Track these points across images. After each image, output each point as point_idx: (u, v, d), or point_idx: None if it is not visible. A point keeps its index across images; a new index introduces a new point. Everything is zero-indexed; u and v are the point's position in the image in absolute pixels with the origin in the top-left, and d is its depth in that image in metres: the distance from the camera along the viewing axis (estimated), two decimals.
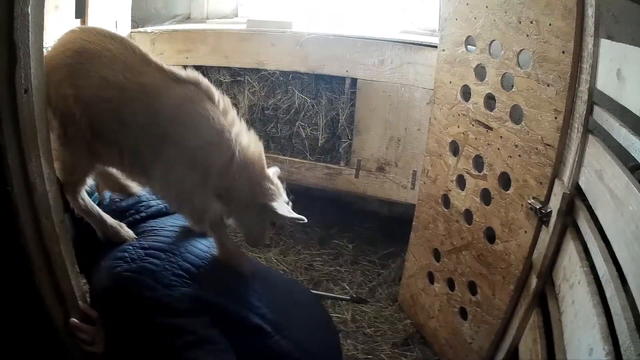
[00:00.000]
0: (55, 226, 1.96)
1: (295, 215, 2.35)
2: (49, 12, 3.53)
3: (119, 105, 2.14)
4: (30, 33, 1.70)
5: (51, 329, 2.03)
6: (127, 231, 2.52)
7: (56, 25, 3.58)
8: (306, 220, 2.39)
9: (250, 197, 2.34)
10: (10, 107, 1.69)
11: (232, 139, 2.24)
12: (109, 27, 4.03)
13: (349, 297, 3.83)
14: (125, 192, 2.72)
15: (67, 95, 2.09)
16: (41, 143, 1.86)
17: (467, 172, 3.03)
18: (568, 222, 2.28)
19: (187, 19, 5.15)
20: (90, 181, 2.54)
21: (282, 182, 2.54)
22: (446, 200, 3.25)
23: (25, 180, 1.79)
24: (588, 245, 2.04)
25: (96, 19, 3.98)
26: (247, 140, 2.35)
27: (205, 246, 2.56)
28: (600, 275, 1.85)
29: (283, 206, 2.39)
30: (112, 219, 2.52)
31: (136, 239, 2.49)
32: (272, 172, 2.53)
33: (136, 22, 4.41)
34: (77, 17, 3.89)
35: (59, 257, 2.00)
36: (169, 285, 2.21)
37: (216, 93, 2.33)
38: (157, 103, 2.17)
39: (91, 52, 2.14)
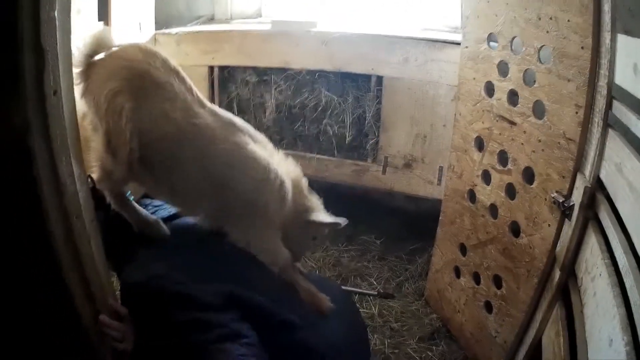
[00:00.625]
0: (85, 225, 2.00)
1: (334, 219, 2.44)
2: (72, 16, 3.60)
3: (173, 144, 2.23)
4: (57, 37, 1.74)
5: (79, 327, 2.06)
6: (162, 227, 2.59)
7: (79, 28, 3.66)
8: (345, 222, 2.47)
9: (295, 216, 2.43)
10: (40, 109, 1.72)
11: (277, 169, 2.40)
12: (133, 29, 4.11)
13: (376, 293, 3.87)
14: None
15: (122, 107, 2.13)
16: (71, 144, 1.89)
17: (492, 167, 3.06)
18: (590, 215, 2.30)
19: (211, 20, 5.19)
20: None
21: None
22: (472, 195, 3.28)
23: (55, 180, 1.82)
24: (609, 237, 2.06)
25: (119, 22, 4.01)
26: (286, 166, 2.47)
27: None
28: (620, 267, 1.87)
29: (323, 215, 2.48)
30: (149, 214, 2.60)
31: (169, 235, 2.57)
32: (305, 184, 2.63)
33: (159, 24, 4.45)
34: (99, 19, 3.95)
35: (89, 256, 2.04)
36: (200, 281, 2.27)
37: (254, 131, 2.52)
38: (212, 147, 2.27)
39: (156, 81, 2.21)
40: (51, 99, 1.75)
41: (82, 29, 3.61)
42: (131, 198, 2.56)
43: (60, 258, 1.91)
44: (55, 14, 1.72)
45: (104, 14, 3.95)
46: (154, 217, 2.59)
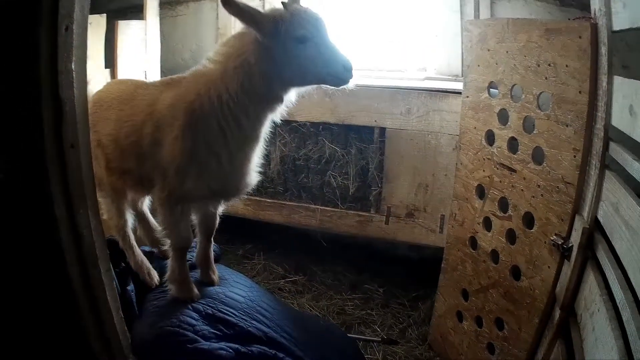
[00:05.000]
0: (102, 274, 2.07)
1: None
2: None
3: None
4: (75, 89, 1.80)
5: None
6: (154, 276, 2.75)
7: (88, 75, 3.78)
8: None
9: None
10: (58, 161, 1.78)
11: None
12: (139, 77, 4.21)
13: (380, 339, 3.91)
14: (157, 244, 2.96)
15: None
16: (88, 195, 1.96)
17: (493, 214, 3.15)
18: (588, 254, 2.38)
19: None
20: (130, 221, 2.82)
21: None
22: (473, 242, 3.35)
23: (73, 230, 1.89)
24: (606, 274, 2.13)
25: (126, 70, 4.12)
26: None
27: (241, 296, 2.73)
28: (618, 302, 1.94)
29: None
30: (147, 261, 2.77)
31: (157, 285, 2.72)
32: None
33: (165, 73, 4.56)
34: (106, 67, 4.06)
35: (104, 302, 2.10)
36: (209, 337, 2.36)
37: None
38: None
39: None
40: (69, 151, 1.82)
41: (91, 76, 3.74)
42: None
43: (78, 303, 1.98)
44: (73, 66, 1.78)
45: (111, 61, 4.06)
46: (148, 264, 2.76)
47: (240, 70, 2.34)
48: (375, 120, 4.24)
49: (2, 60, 1.66)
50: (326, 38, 2.33)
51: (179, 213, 2.60)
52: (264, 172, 4.66)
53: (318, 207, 4.61)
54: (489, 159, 3.17)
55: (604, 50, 2.29)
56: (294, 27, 2.26)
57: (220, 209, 2.92)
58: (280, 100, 2.47)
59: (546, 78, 2.65)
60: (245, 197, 4.47)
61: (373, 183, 4.42)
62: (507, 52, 2.96)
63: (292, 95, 2.54)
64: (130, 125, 2.61)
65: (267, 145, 4.50)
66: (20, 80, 1.69)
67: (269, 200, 4.78)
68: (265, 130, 2.60)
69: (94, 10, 4.14)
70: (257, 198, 4.73)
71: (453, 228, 3.58)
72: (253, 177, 2.69)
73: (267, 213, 4.79)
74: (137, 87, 2.77)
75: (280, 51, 2.30)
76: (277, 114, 2.57)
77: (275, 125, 4.45)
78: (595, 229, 2.35)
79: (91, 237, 1.97)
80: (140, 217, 3.11)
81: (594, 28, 2.35)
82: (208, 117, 2.40)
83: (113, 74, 4.11)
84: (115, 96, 2.76)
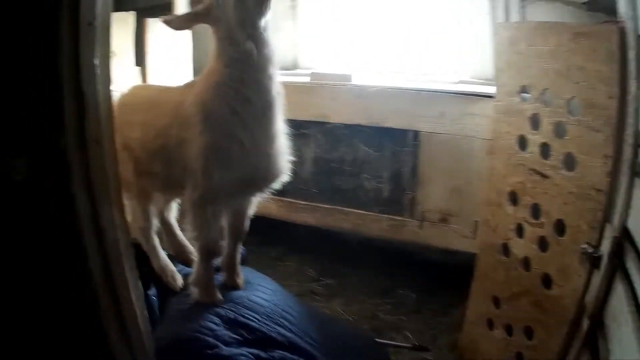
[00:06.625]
0: (125, 272, 2.04)
1: None
2: None
3: None
4: (98, 84, 1.79)
5: None
6: (178, 279, 2.77)
7: (114, 71, 3.80)
8: None
9: None
10: (81, 157, 1.77)
11: None
12: (169, 76, 4.25)
13: (410, 345, 3.88)
14: (183, 251, 2.98)
15: None
16: (112, 192, 1.94)
17: (525, 221, 3.09)
18: (617, 263, 2.31)
19: None
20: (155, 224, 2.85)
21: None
22: (505, 249, 3.30)
23: (95, 226, 1.87)
24: (634, 285, 2.08)
25: (156, 67, 4.15)
26: None
27: (264, 300, 2.72)
28: None
29: None
30: (171, 264, 2.78)
31: (181, 289, 2.73)
32: None
33: (197, 71, 4.57)
34: (137, 64, 4.08)
35: (128, 302, 2.07)
36: (229, 343, 2.36)
37: None
38: None
39: None
40: (92, 147, 1.80)
41: (117, 73, 3.75)
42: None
43: (99, 300, 1.95)
44: (96, 62, 1.77)
45: (140, 58, 4.08)
46: (173, 267, 2.78)
47: (219, 45, 2.51)
48: (409, 124, 4.21)
49: (22, 57, 1.67)
50: None
51: (210, 215, 2.60)
52: (297, 173, 4.71)
53: (351, 210, 4.60)
54: (521, 164, 3.11)
55: (631, 54, 2.24)
56: None
57: (252, 210, 2.92)
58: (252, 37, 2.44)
59: (576, 82, 2.60)
60: (279, 198, 4.55)
61: (407, 187, 4.39)
62: (537, 55, 2.91)
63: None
64: (157, 129, 2.65)
65: (299, 147, 4.60)
66: (42, 77, 1.69)
67: (302, 202, 4.79)
68: (277, 101, 2.59)
69: (122, 7, 4.19)
70: (291, 200, 4.75)
71: (485, 234, 3.53)
72: (283, 161, 2.71)
73: (300, 215, 4.81)
74: (161, 92, 2.84)
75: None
76: (270, 69, 2.52)
77: (308, 127, 4.54)
78: (625, 237, 2.29)
79: (115, 233, 1.95)
80: (165, 225, 3.14)
81: (622, 32, 2.30)
82: (219, 104, 2.44)
83: (143, 72, 4.13)
84: (140, 101, 2.83)
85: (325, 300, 4.46)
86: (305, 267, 4.91)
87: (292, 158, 2.79)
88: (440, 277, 4.65)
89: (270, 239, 5.21)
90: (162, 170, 2.73)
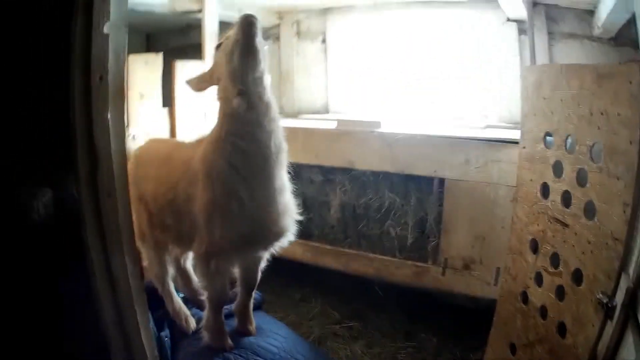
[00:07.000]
0: (137, 316, 2.10)
1: None
2: (134, 99, 3.82)
3: None
4: (111, 137, 1.85)
5: None
6: (190, 323, 2.85)
7: (142, 112, 3.87)
8: None
9: None
10: (93, 209, 1.84)
11: None
12: (198, 118, 4.35)
13: None
14: (197, 295, 3.05)
15: None
16: (125, 241, 1.99)
17: (545, 269, 3.08)
18: (630, 314, 2.30)
19: (279, 113, 5.41)
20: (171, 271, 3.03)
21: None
22: (525, 297, 3.28)
23: (108, 273, 1.94)
24: None
25: (184, 110, 4.23)
26: None
27: (275, 346, 2.77)
28: None
29: None
30: (185, 307, 2.87)
31: (194, 332, 2.80)
32: None
33: None
34: (164, 105, 4.16)
35: (139, 345, 2.12)
36: None
37: None
38: None
39: None
40: (104, 200, 1.87)
41: (145, 113, 3.83)
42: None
43: (111, 343, 2.02)
44: (108, 116, 1.83)
45: (169, 100, 4.16)
46: (186, 310, 2.86)
47: (218, 102, 2.61)
48: (435, 171, 4.23)
49: (37, 110, 1.72)
50: None
51: (215, 268, 2.70)
52: (323, 217, 4.74)
53: (376, 255, 4.62)
54: (543, 212, 3.11)
55: None
56: None
57: (263, 264, 2.99)
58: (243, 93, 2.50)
59: (599, 128, 2.60)
60: (305, 241, 4.58)
61: (431, 234, 4.40)
62: (561, 100, 2.92)
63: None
64: (168, 184, 2.80)
65: (327, 192, 4.63)
66: (55, 128, 1.76)
67: (328, 247, 4.82)
68: (278, 156, 2.65)
69: (154, 47, 4.29)
70: (317, 244, 4.80)
71: (506, 282, 3.51)
72: (288, 220, 2.72)
73: (326, 260, 4.83)
74: (174, 147, 2.99)
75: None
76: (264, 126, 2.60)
77: (334, 172, 4.59)
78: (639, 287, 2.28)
79: (127, 281, 2.01)
80: (181, 271, 3.25)
81: None
82: (218, 159, 2.53)
83: (171, 113, 4.22)
84: (155, 155, 2.97)
85: (347, 342, 4.44)
86: (329, 309, 4.90)
87: (298, 217, 2.82)
88: (461, 322, 4.62)
89: (295, 281, 5.23)
90: (173, 223, 2.84)
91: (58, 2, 1.71)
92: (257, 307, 3.07)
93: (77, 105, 1.75)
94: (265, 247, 2.82)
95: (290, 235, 2.80)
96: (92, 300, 1.93)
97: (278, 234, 2.74)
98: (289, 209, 2.72)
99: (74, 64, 1.72)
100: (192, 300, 3.23)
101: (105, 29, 1.77)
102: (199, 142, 2.77)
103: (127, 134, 3.77)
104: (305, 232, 4.76)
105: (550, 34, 4.46)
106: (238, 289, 3.01)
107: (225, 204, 2.53)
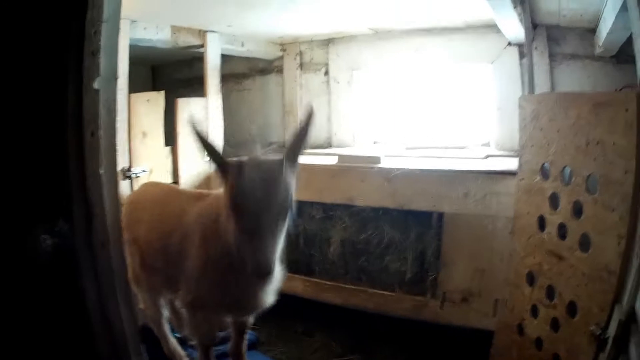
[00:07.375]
0: (131, 357, 2.06)
1: None
2: (136, 138, 3.85)
3: None
4: (104, 191, 1.86)
5: None
6: None
7: (144, 151, 3.90)
8: None
9: None
10: (89, 256, 1.83)
11: None
12: (200, 155, 4.32)
13: None
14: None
15: None
16: (119, 289, 1.99)
17: (540, 302, 3.08)
18: (621, 346, 2.30)
19: (283, 147, 5.41)
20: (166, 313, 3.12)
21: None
22: (521, 329, 3.28)
23: (103, 318, 1.92)
24: None
25: (186, 148, 4.25)
26: None
27: None
28: None
29: None
30: (180, 348, 2.93)
31: None
32: None
33: (231, 148, 4.61)
34: (167, 144, 4.19)
35: None
36: None
37: None
38: None
39: None
40: (99, 250, 1.87)
41: (148, 152, 3.86)
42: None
43: None
44: (101, 171, 1.84)
45: (171, 138, 4.19)
46: (181, 350, 2.92)
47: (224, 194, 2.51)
48: (434, 205, 4.24)
49: (30, 158, 1.75)
50: None
51: (200, 318, 2.81)
52: (324, 253, 4.75)
53: (375, 291, 4.61)
54: (539, 245, 3.12)
55: None
56: None
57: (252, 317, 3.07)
58: None
59: (595, 159, 2.60)
60: (306, 278, 4.60)
61: (430, 268, 4.39)
62: (558, 130, 2.93)
63: None
64: (161, 231, 2.89)
65: (327, 229, 4.64)
66: (50, 181, 1.76)
67: (328, 283, 4.81)
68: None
69: (159, 79, 4.32)
70: (317, 280, 4.81)
71: (503, 314, 3.52)
72: (268, 297, 2.73)
73: (327, 295, 4.82)
74: (169, 193, 3.09)
75: None
76: None
77: (335, 209, 4.60)
78: (632, 320, 2.27)
79: (122, 325, 2.01)
80: (175, 313, 3.30)
81: None
82: (216, 241, 2.55)
83: (174, 152, 4.25)
84: (150, 199, 3.03)
85: None
86: (331, 342, 4.88)
87: (279, 285, 2.79)
88: (460, 354, 4.60)
89: (297, 316, 5.22)
90: (163, 268, 2.88)
91: (51, 63, 1.74)
92: (251, 347, 3.10)
93: (71, 162, 1.78)
94: (247, 314, 2.91)
95: (269, 303, 2.78)
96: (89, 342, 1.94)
97: (258, 309, 2.78)
98: (276, 281, 2.70)
99: (68, 120, 1.75)
100: (188, 341, 3.26)
101: (96, 85, 1.79)
102: (197, 198, 2.87)
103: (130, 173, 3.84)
104: (306, 268, 4.87)
105: (552, 55, 4.52)
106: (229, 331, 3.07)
107: (213, 275, 2.62)
